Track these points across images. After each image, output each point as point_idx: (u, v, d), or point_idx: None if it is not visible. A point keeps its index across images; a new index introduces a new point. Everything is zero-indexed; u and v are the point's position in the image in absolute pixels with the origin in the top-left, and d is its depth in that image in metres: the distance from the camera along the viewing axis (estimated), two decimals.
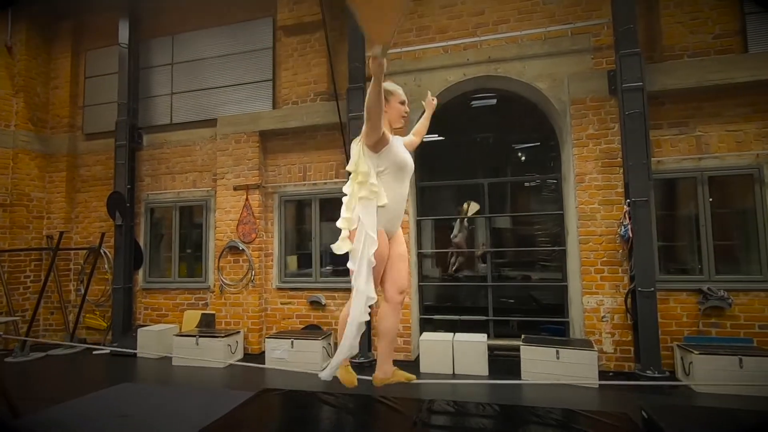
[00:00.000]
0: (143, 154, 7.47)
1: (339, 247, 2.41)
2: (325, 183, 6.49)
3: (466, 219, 6.80)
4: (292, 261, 6.82)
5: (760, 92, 5.13)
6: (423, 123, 3.03)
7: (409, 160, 2.46)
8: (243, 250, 6.54)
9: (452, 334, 5.64)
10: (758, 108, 5.17)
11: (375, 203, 2.33)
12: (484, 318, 6.13)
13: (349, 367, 2.56)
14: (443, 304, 6.86)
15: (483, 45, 6.01)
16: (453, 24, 6.19)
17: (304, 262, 6.68)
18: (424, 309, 6.55)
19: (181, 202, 7.21)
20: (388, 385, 2.62)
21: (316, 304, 6.37)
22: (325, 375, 2.47)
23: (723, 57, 5.19)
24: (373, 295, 2.29)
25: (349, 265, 2.36)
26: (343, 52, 6.37)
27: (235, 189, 6.68)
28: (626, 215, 5.11)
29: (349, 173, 2.43)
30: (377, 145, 2.31)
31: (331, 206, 6.66)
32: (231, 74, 7.03)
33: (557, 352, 4.90)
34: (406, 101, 2.57)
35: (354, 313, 2.30)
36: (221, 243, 6.68)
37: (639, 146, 5.05)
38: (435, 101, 3.05)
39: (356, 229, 2.32)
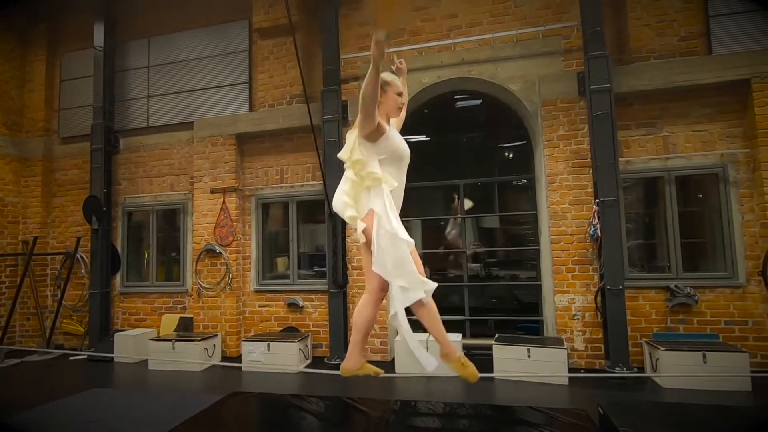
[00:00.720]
0: (120, 157, 7.42)
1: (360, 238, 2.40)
2: (302, 185, 6.50)
3: (459, 216, 6.74)
4: (282, 262, 6.78)
5: (725, 93, 5.25)
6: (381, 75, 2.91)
7: (407, 149, 2.43)
8: (220, 253, 6.53)
9: (428, 334, 5.68)
10: (723, 109, 5.29)
11: (383, 188, 2.28)
12: (461, 318, 6.19)
13: (465, 359, 2.47)
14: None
15: (456, 47, 6.07)
16: (427, 26, 6.24)
17: (282, 265, 6.69)
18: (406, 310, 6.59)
19: (158, 205, 7.17)
20: (356, 376, 2.64)
21: (293, 306, 6.38)
22: (427, 364, 2.39)
23: (688, 59, 5.30)
24: (425, 281, 2.29)
25: (374, 267, 2.30)
26: (318, 54, 6.39)
27: (212, 192, 6.67)
28: (595, 215, 5.20)
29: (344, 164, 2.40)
30: (373, 134, 2.25)
31: (309, 208, 6.69)
32: (208, 77, 7.02)
33: (528, 350, 4.97)
34: (404, 93, 2.52)
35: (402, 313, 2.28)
36: (198, 246, 6.67)
37: (607, 147, 5.13)
38: (404, 65, 2.77)
39: (370, 218, 2.28)
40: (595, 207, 5.21)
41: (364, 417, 3.30)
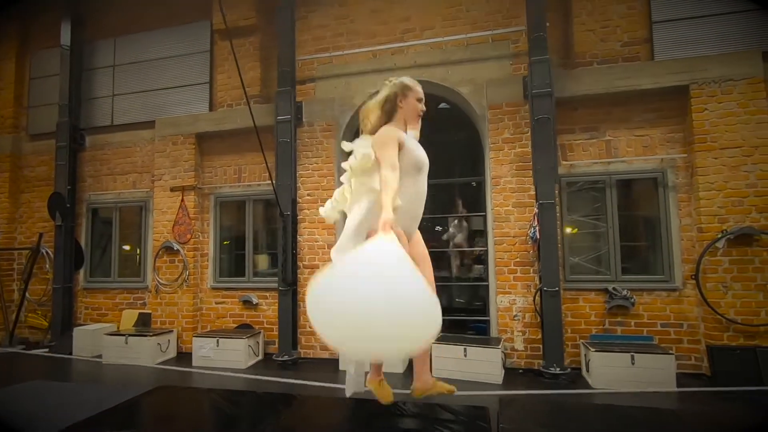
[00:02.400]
0: (86, 155, 7.54)
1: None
2: (259, 184, 6.59)
3: (464, 218, 6.66)
4: (263, 260, 6.81)
5: (665, 98, 5.32)
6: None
7: (425, 158, 2.38)
8: (178, 250, 6.63)
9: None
10: (664, 114, 5.36)
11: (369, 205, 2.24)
12: None
13: (383, 381, 2.51)
14: None
15: (409, 50, 6.15)
16: (381, 29, 6.32)
17: (239, 262, 6.79)
18: None
19: (121, 203, 7.29)
20: (429, 396, 2.56)
21: (248, 304, 6.49)
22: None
23: (629, 64, 5.37)
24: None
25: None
26: (274, 56, 6.49)
27: (171, 190, 6.78)
28: (535, 217, 5.28)
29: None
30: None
31: (265, 207, 6.79)
32: (170, 77, 7.12)
33: (465, 349, 5.06)
34: (423, 99, 2.45)
35: None
36: (158, 243, 6.78)
37: (547, 151, 5.21)
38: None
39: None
40: (535, 209, 5.29)
41: (268, 411, 3.38)
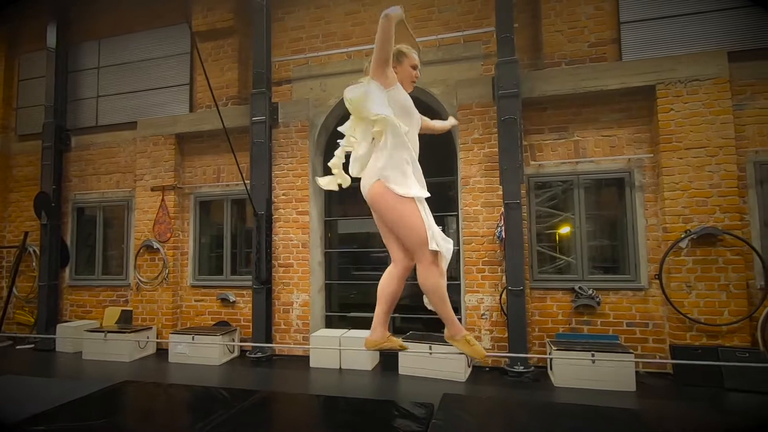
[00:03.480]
0: (72, 155, 7.69)
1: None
2: (237, 184, 6.69)
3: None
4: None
5: (633, 99, 5.34)
6: (435, 123, 2.96)
7: (416, 112, 2.41)
8: (158, 248, 6.76)
9: (345, 330, 5.88)
10: (630, 114, 5.38)
11: (396, 130, 2.23)
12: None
13: (472, 339, 2.43)
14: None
15: None
16: (356, 30, 6.39)
17: (218, 261, 6.90)
18: (339, 307, 6.80)
19: (105, 202, 7.43)
20: (381, 350, 2.54)
21: (225, 301, 6.59)
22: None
23: (596, 65, 5.39)
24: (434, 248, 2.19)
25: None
26: (252, 57, 6.57)
27: (152, 190, 6.90)
28: (501, 217, 5.32)
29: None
30: (385, 76, 2.26)
31: (243, 206, 6.88)
32: (152, 78, 7.25)
33: (430, 347, 5.12)
34: (419, 66, 2.48)
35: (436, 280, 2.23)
36: (139, 242, 6.91)
37: (513, 151, 5.25)
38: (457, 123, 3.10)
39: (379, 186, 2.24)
40: (502, 209, 5.33)
41: (223, 405, 3.48)
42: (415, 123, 2.40)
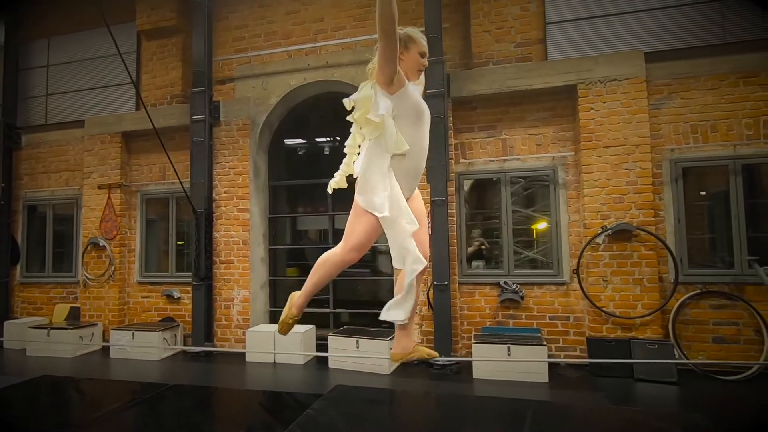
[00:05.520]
0: (23, 153, 7.72)
1: (337, 184, 2.34)
2: (182, 182, 6.75)
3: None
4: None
5: (557, 98, 5.46)
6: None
7: (427, 109, 2.23)
8: (104, 246, 6.83)
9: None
10: (556, 113, 5.51)
11: (383, 148, 2.07)
12: (327, 311, 6.47)
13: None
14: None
15: (322, 50, 6.30)
16: (296, 30, 6.46)
17: (163, 258, 6.99)
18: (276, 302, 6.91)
19: (55, 200, 7.48)
20: (409, 361, 2.39)
21: (170, 298, 6.69)
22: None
23: (521, 64, 5.50)
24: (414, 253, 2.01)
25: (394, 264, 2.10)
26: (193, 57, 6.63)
27: (99, 188, 6.96)
28: (428, 214, 5.44)
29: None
30: (393, 84, 2.02)
31: (187, 204, 6.94)
32: (99, 76, 7.29)
33: (357, 342, 5.25)
34: (427, 53, 2.26)
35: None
36: (87, 240, 6.98)
37: (439, 150, 5.36)
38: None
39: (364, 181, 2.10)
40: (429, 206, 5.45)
41: (132, 397, 3.58)
42: (426, 121, 2.20)
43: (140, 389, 3.69)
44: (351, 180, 2.34)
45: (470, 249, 5.89)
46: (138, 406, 3.29)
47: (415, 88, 2.21)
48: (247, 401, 3.40)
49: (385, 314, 2.12)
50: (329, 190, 2.43)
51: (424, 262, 2.04)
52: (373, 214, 2.05)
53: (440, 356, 2.60)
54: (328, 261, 2.23)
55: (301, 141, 6.93)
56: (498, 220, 5.64)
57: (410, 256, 2.01)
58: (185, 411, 3.22)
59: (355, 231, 2.14)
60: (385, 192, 2.05)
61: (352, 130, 2.26)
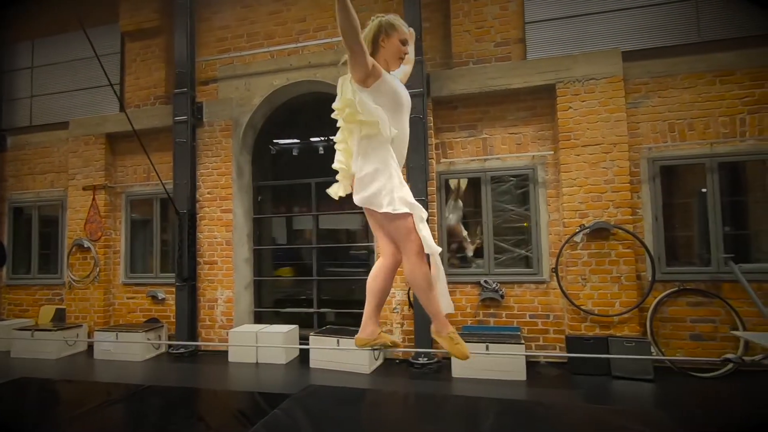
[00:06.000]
0: (8, 155, 7.72)
1: (335, 193, 2.29)
2: (166, 183, 6.76)
3: (459, 198, 5.99)
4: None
5: (537, 97, 5.48)
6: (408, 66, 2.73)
7: (407, 95, 2.22)
8: (89, 247, 6.84)
9: (264, 325, 6.02)
10: (535, 112, 5.53)
11: (382, 138, 2.06)
12: (311, 310, 6.49)
13: (456, 336, 2.27)
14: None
15: (304, 51, 6.30)
16: (279, 30, 6.46)
17: (148, 259, 7.00)
18: (275, 303, 6.95)
19: (40, 201, 7.49)
20: (372, 347, 2.42)
21: (155, 299, 6.70)
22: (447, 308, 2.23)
23: (501, 64, 5.52)
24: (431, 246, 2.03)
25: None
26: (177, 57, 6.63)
27: (84, 189, 6.96)
28: None
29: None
30: (367, 78, 2.04)
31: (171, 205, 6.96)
32: (83, 78, 7.28)
33: (338, 341, 5.27)
34: (409, 41, 2.27)
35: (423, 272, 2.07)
36: (72, 241, 6.98)
37: (419, 150, 5.38)
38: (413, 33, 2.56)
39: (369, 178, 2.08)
40: None
41: (106, 398, 3.60)
42: (406, 109, 2.21)
43: (114, 390, 3.71)
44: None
45: (472, 246, 5.83)
46: (109, 408, 3.30)
47: (393, 78, 2.20)
48: (218, 401, 3.42)
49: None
50: (335, 197, 2.34)
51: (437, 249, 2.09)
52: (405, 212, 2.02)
53: (402, 345, 2.56)
54: (417, 276, 2.11)
55: (286, 141, 6.94)
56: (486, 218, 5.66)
57: (424, 230, 2.03)
58: (154, 412, 3.24)
59: (410, 238, 2.05)
60: (403, 186, 2.08)
61: (339, 124, 2.23)
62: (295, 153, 6.91)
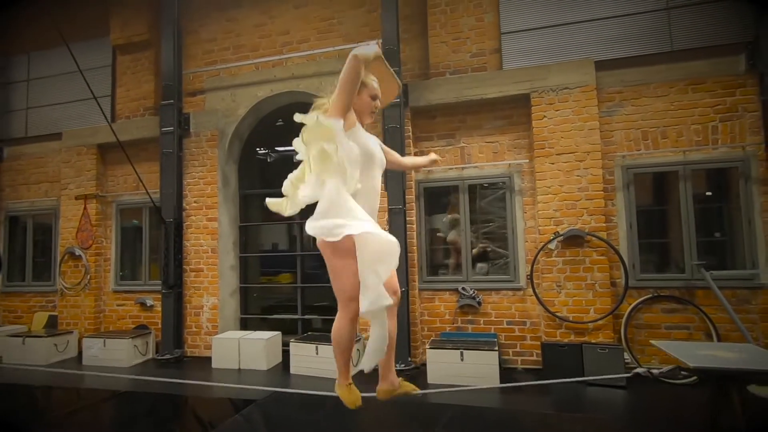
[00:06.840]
0: (4, 165, 7.93)
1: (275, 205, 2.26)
2: (155, 192, 6.91)
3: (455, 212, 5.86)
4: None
5: (513, 106, 5.56)
6: (409, 159, 2.93)
7: (378, 152, 2.25)
8: (80, 255, 6.99)
9: (248, 332, 6.12)
10: (511, 121, 5.60)
11: (340, 183, 2.03)
12: (296, 317, 6.58)
13: (352, 385, 2.34)
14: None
15: (288, 62, 6.44)
16: (263, 42, 6.61)
17: (137, 267, 7.14)
18: (262, 310, 7.05)
19: (34, 210, 7.67)
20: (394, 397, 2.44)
21: (144, 306, 6.83)
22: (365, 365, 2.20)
23: (477, 74, 5.61)
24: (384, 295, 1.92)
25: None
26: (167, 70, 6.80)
27: (76, 198, 7.14)
28: (387, 222, 5.54)
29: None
30: (344, 119, 2.06)
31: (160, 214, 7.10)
32: (76, 90, 7.46)
33: (316, 348, 5.35)
34: (379, 97, 2.32)
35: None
36: (64, 249, 7.15)
37: None
38: (437, 159, 2.83)
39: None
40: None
41: (77, 404, 3.71)
42: (378, 163, 2.24)
43: (87, 396, 3.82)
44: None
45: (474, 251, 5.77)
46: (77, 414, 3.41)
47: (368, 135, 2.27)
48: (186, 407, 3.51)
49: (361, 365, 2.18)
50: (271, 207, 2.30)
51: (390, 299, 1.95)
52: (350, 250, 1.97)
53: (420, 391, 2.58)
54: (339, 334, 2.19)
55: (271, 151, 7.07)
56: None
57: (372, 289, 1.92)
58: (121, 417, 3.34)
59: (341, 280, 2.07)
60: (351, 214, 1.99)
61: (299, 157, 2.22)
62: (281, 162, 7.03)
